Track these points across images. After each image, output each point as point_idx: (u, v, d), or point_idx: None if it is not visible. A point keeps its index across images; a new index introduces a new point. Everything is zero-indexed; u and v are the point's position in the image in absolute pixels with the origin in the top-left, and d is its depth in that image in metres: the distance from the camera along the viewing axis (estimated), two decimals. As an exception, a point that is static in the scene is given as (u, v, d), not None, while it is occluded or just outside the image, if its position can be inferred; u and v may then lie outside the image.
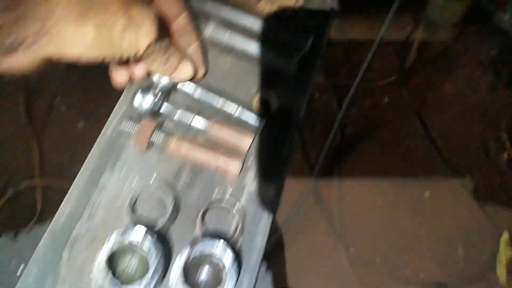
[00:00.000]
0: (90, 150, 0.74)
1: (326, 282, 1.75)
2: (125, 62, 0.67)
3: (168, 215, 0.67)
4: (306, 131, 1.97)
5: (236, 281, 0.63)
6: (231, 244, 0.66)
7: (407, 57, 2.09)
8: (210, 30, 0.81)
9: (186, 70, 0.69)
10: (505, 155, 1.95)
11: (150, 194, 0.71)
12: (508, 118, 2.01)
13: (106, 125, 0.76)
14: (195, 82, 0.76)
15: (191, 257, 0.61)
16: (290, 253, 1.77)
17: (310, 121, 1.98)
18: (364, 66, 1.83)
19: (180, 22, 0.70)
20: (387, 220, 1.85)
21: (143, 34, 0.56)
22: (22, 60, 0.51)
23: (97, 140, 0.74)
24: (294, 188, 1.86)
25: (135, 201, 0.69)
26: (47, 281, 0.65)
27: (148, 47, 0.58)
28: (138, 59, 0.63)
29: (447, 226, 1.84)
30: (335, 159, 1.93)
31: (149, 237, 0.62)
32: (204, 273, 0.62)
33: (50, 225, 0.69)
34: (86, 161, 0.73)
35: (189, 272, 0.62)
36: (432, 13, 2.12)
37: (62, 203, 0.70)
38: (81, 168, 0.72)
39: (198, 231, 0.68)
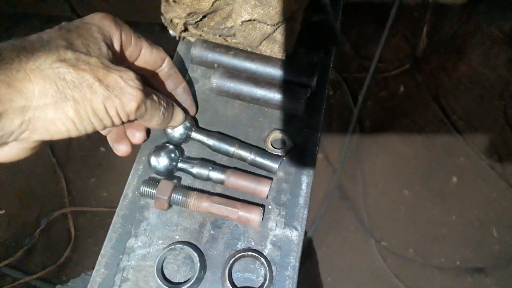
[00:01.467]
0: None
1: (361, 278, 1.75)
2: (122, 129, 0.67)
3: (196, 273, 0.67)
4: (324, 129, 1.96)
5: None
6: None
7: (418, 44, 2.05)
8: (215, 80, 0.81)
9: (179, 116, 0.70)
10: (531, 130, 1.91)
11: (176, 253, 0.72)
12: (530, 92, 1.96)
13: (126, 187, 0.76)
14: (188, 123, 0.76)
15: None
16: (321, 254, 1.77)
17: (327, 118, 1.97)
18: (376, 57, 1.82)
19: (164, 69, 0.72)
20: (416, 210, 1.84)
21: (127, 99, 0.56)
22: (12, 152, 0.53)
23: (119, 202, 0.74)
24: (318, 188, 1.86)
25: (163, 263, 0.70)
26: None
27: (137, 108, 0.57)
28: (134, 121, 0.62)
29: (478, 209, 1.83)
30: (356, 155, 1.92)
31: None
32: None
33: None
34: (111, 225, 0.74)
35: None
36: (439, -4, 2.08)
37: (93, 271, 0.70)
38: (108, 233, 0.73)
39: (227, 285, 0.68)
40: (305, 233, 1.75)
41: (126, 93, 0.56)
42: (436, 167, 1.90)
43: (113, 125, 0.58)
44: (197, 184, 0.77)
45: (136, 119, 0.61)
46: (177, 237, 0.73)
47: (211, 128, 0.80)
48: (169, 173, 0.75)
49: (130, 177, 0.77)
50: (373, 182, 1.89)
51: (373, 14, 2.09)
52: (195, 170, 0.74)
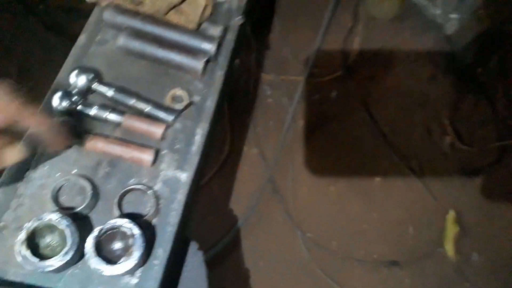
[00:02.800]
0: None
1: (286, 268, 1.83)
2: None
3: (88, 200, 0.75)
4: (261, 126, 2.05)
5: (147, 252, 0.71)
6: (145, 222, 0.76)
7: (350, 53, 2.20)
8: (122, 40, 0.89)
9: (11, 154, 0.65)
10: (448, 139, 2.07)
11: (72, 185, 0.79)
12: (449, 104, 2.14)
13: None
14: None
15: (102, 232, 0.68)
16: (249, 243, 1.85)
17: (263, 116, 2.07)
18: (310, 62, 1.96)
19: (8, 115, 0.62)
20: (341, 206, 1.95)
21: None
22: None
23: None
24: (251, 181, 1.95)
25: (58, 191, 0.77)
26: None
27: None
28: None
29: (398, 208, 1.95)
30: (289, 152, 2.01)
31: (66, 217, 0.68)
32: (114, 247, 0.69)
33: None
34: None
35: (101, 246, 0.68)
36: (370, 10, 2.25)
37: None
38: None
39: (115, 213, 0.76)
40: (236, 220, 1.82)
41: None
42: (361, 167, 2.02)
43: None
44: (97, 130, 0.84)
45: None
46: (74, 171, 0.80)
47: (116, 84, 0.88)
48: (69, 114, 0.82)
49: None
50: (303, 178, 1.98)
51: (310, 21, 2.22)
52: (94, 111, 0.81)
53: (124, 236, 0.69)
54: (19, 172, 0.78)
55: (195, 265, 0.87)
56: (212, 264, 1.79)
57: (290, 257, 1.85)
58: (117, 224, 0.68)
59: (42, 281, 0.70)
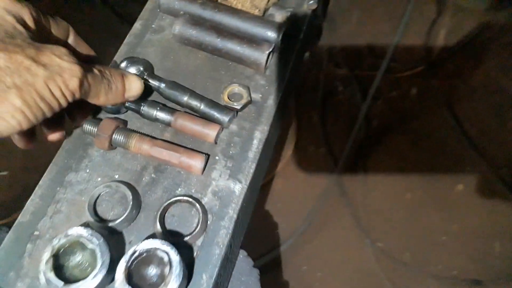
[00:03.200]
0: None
1: (352, 278, 1.71)
2: (57, 116, 0.60)
3: (127, 212, 0.66)
4: (330, 124, 1.94)
5: (187, 280, 0.62)
6: (189, 241, 0.65)
7: (433, 47, 2.03)
8: (178, 27, 0.81)
9: (134, 84, 0.66)
10: (547, 145, 1.84)
11: (113, 193, 0.70)
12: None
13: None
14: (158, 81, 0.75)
15: (136, 256, 0.58)
16: (312, 248, 1.74)
17: (333, 114, 1.96)
18: (388, 55, 1.80)
19: (70, 39, 0.67)
20: (417, 215, 1.79)
21: (68, 76, 0.52)
22: None
23: (64, 140, 0.73)
24: (317, 183, 1.84)
25: (96, 200, 0.69)
26: (9, 276, 0.64)
27: (80, 85, 0.53)
28: (81, 102, 0.58)
29: (482, 220, 1.76)
30: (361, 153, 1.89)
31: (97, 234, 0.60)
32: (149, 273, 0.59)
33: (15, 222, 0.69)
34: (53, 160, 0.73)
35: (134, 272, 0.59)
36: (459, -1, 2.06)
37: (28, 200, 0.70)
38: (48, 167, 0.72)
39: (157, 228, 0.66)
40: (299, 224, 1.73)
41: (66, 69, 0.52)
42: (442, 174, 1.85)
43: (60, 107, 0.53)
44: (146, 130, 0.76)
45: (82, 99, 0.57)
46: (116, 176, 0.72)
47: (170, 77, 0.80)
48: (116, 111, 0.75)
49: None
50: (374, 181, 1.85)
51: (390, 13, 2.06)
52: (144, 109, 0.73)
53: (160, 262, 0.59)
54: (59, 174, 0.72)
55: (245, 272, 0.78)
56: (269, 269, 1.71)
57: (356, 267, 1.72)
58: (153, 246, 0.59)
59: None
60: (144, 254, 0.59)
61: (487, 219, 1.76)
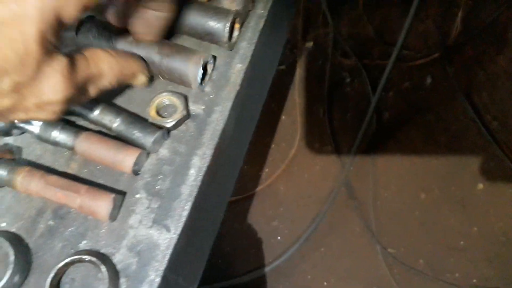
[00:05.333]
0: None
1: (361, 286, 1.63)
2: None
3: (5, 278, 0.50)
4: (337, 119, 1.83)
5: None
6: None
7: (450, 31, 1.90)
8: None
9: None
10: None
11: None
12: None
13: None
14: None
15: None
16: (319, 255, 1.66)
17: (341, 108, 1.84)
18: (400, 42, 1.65)
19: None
20: (432, 217, 1.69)
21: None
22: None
23: None
24: (323, 184, 1.74)
25: None
26: None
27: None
28: None
29: (505, 223, 1.66)
30: (370, 150, 1.78)
31: None
32: None
33: None
34: None
35: None
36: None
37: None
38: None
39: None
40: (305, 229, 1.63)
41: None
42: (460, 171, 1.74)
43: None
44: (47, 159, 0.59)
45: None
46: (3, 224, 0.55)
47: None
48: (5, 133, 0.59)
49: None
50: (386, 181, 1.74)
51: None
52: (38, 129, 0.56)
53: None
54: None
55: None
56: (275, 278, 1.63)
57: (365, 276, 1.63)
58: None
59: None
60: None
61: (510, 221, 1.66)
